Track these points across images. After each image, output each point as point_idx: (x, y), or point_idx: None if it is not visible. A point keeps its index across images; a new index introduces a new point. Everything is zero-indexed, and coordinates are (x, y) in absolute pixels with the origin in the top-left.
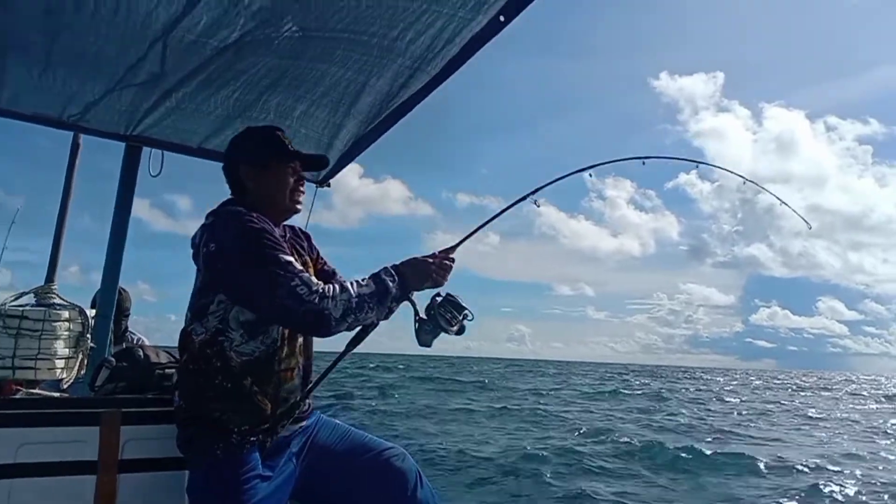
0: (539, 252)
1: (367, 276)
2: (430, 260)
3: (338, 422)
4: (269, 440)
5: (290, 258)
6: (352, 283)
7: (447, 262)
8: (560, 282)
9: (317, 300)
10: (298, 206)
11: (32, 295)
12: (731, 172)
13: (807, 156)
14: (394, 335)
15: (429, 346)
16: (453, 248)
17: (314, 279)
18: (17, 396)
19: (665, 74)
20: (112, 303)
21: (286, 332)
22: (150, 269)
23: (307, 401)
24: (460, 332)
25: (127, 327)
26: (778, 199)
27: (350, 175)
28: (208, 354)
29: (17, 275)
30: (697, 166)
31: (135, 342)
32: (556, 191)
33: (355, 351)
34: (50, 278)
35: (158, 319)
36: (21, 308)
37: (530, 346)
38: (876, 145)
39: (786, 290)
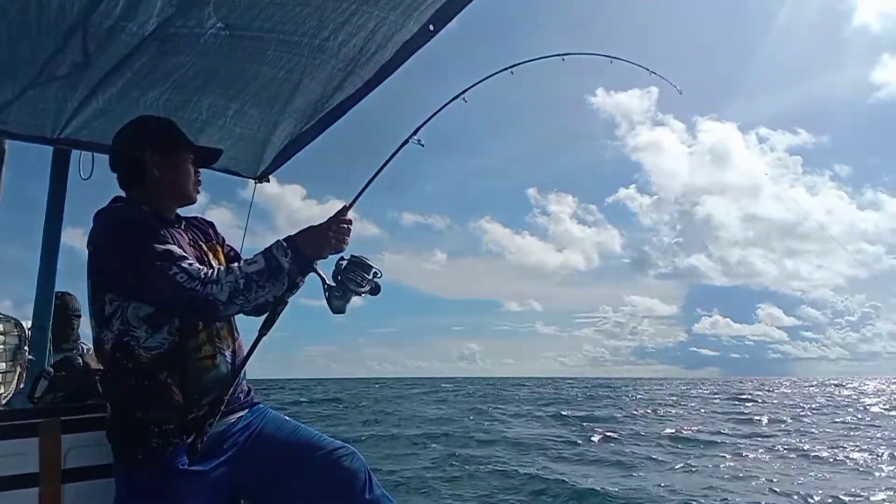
0: (486, 269)
1: (258, 252)
2: (326, 226)
3: (286, 417)
4: (199, 439)
5: (170, 247)
6: (240, 265)
7: (343, 224)
8: (509, 298)
9: (198, 286)
10: (197, 196)
11: None
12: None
13: (741, 167)
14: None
15: (343, 311)
16: (346, 209)
17: (196, 265)
18: None
19: (601, 91)
20: (48, 313)
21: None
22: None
23: (240, 388)
24: (374, 292)
25: (79, 335)
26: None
27: (292, 196)
28: (118, 357)
29: None
30: (636, 182)
31: (84, 351)
32: (500, 208)
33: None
34: None
35: None
36: None
37: (481, 364)
38: (805, 155)
39: (726, 298)
